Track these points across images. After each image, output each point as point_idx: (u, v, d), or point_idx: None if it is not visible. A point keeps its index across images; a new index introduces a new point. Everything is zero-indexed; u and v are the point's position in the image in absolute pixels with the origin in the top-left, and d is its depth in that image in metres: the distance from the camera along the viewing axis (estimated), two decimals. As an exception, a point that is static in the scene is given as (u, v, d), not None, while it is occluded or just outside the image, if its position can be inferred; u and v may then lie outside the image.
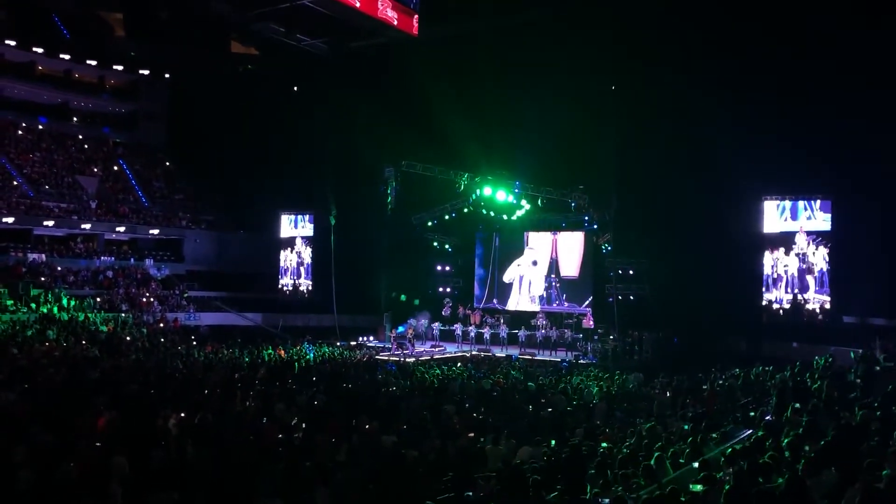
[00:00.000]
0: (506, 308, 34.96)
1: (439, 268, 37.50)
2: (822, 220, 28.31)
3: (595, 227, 31.44)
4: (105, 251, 38.56)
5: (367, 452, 10.63)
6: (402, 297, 35.60)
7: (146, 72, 46.97)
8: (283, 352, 26.91)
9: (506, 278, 35.43)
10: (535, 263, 34.65)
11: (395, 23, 29.19)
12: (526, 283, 34.89)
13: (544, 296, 34.36)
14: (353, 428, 12.17)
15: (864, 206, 26.62)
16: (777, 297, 28.85)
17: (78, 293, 32.98)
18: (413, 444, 11.31)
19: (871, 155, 25.15)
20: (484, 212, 32.93)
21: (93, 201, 39.86)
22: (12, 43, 42.00)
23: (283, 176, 39.62)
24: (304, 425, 12.69)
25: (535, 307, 34.08)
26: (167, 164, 47.09)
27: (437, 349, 31.51)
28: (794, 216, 28.78)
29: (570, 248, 34.00)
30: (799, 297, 28.33)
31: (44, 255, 34.94)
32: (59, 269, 34.78)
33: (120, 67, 46.41)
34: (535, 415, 14.85)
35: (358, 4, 27.52)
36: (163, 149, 47.82)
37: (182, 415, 12.42)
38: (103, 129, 46.47)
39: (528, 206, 31.62)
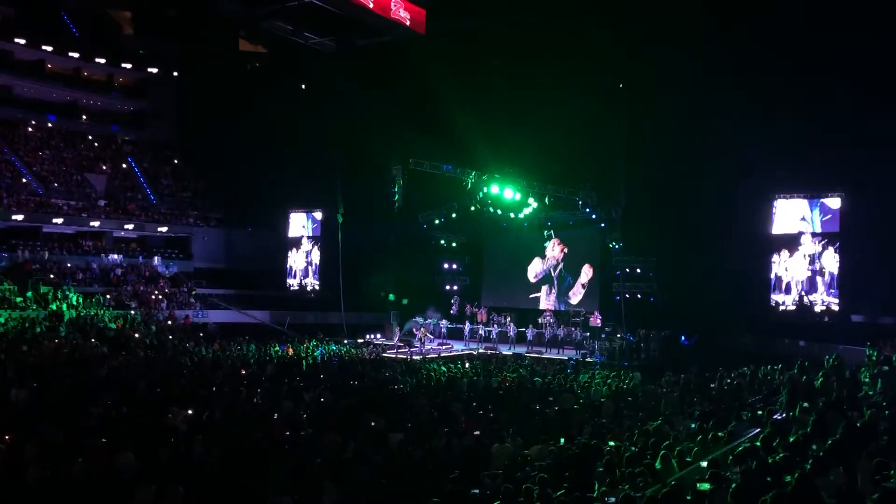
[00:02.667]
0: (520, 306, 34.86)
1: (446, 266, 37.51)
2: (832, 220, 28.16)
3: (603, 225, 31.37)
4: (114, 249, 38.75)
5: (374, 450, 10.66)
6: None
7: (155, 70, 47.09)
8: (290, 349, 26.97)
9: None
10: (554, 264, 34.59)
11: (408, 23, 29.26)
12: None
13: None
14: (360, 425, 12.20)
15: (873, 206, 26.48)
16: (785, 297, 28.74)
17: (87, 290, 33.14)
18: (420, 441, 11.34)
19: (881, 154, 25.01)
20: (491, 210, 32.89)
21: (101, 199, 40.04)
22: (22, 41, 42.16)
23: (291, 174, 39.71)
24: (311, 422, 12.74)
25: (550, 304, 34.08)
26: (175, 161, 47.22)
27: (444, 347, 31.53)
28: (804, 215, 28.63)
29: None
30: (806, 298, 28.22)
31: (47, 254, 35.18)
32: (68, 266, 34.96)
33: (129, 65, 46.54)
34: (542, 413, 14.84)
35: (371, 5, 27.58)
36: (171, 146, 47.94)
37: (190, 412, 12.48)
38: (112, 127, 46.61)
39: (535, 204, 31.56)
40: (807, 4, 26.22)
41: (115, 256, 37.71)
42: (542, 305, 34.59)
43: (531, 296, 35.04)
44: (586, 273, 33.59)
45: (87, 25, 46.23)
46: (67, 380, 16.14)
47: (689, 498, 6.96)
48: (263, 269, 42.23)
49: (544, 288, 34.83)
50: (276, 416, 13.31)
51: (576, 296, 33.86)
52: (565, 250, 34.27)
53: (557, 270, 34.42)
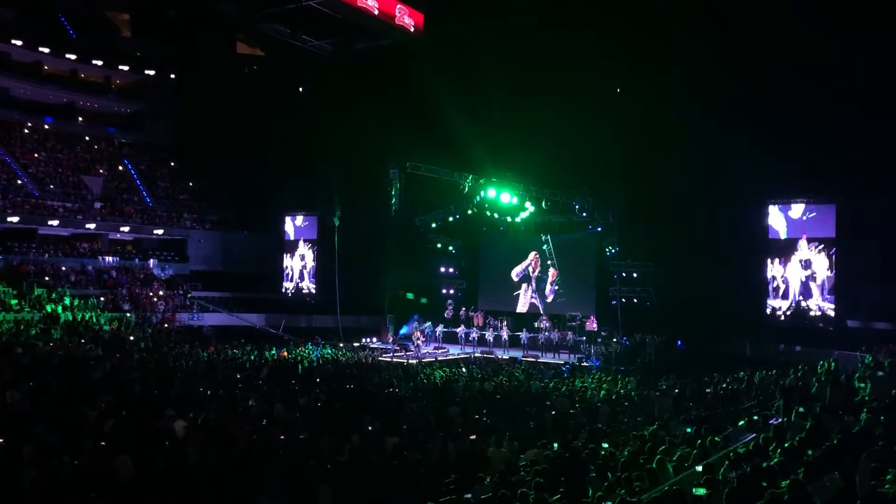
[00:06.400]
0: (515, 310, 35.05)
1: (443, 269, 37.50)
2: (828, 225, 28.18)
3: (599, 229, 31.42)
4: (109, 251, 38.65)
5: (369, 453, 10.64)
6: (410, 296, 35.55)
7: (152, 72, 47.03)
8: (285, 353, 26.92)
9: (514, 275, 35.56)
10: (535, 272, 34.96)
11: (412, 29, 29.45)
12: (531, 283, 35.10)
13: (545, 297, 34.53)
14: (355, 429, 12.18)
15: (869, 211, 26.53)
16: (781, 302, 28.76)
17: (82, 293, 33.05)
18: (415, 445, 11.33)
19: (877, 159, 25.07)
20: (488, 213, 32.90)
21: (97, 201, 39.96)
22: (19, 43, 42.10)
23: (288, 176, 39.69)
24: (306, 426, 12.71)
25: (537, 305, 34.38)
26: (172, 164, 47.17)
27: (440, 351, 31.51)
28: (799, 221, 28.65)
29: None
30: (803, 303, 28.25)
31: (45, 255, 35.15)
32: (63, 268, 34.86)
33: (126, 67, 46.48)
34: (538, 417, 14.84)
35: (376, 12, 27.79)
36: (168, 149, 47.88)
37: (188, 415, 12.44)
38: (109, 129, 46.55)
39: (532, 208, 31.59)
40: (803, 9, 26.30)
41: (111, 259, 37.61)
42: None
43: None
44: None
45: (85, 27, 46.22)
46: (62, 382, 16.08)
47: (684, 502, 6.96)
48: (260, 272, 42.18)
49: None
50: (268, 419, 13.26)
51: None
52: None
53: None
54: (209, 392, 16.04)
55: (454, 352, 31.46)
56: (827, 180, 27.61)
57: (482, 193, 31.35)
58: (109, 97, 47.02)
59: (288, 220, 41.91)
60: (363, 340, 33.31)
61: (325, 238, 38.31)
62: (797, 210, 28.74)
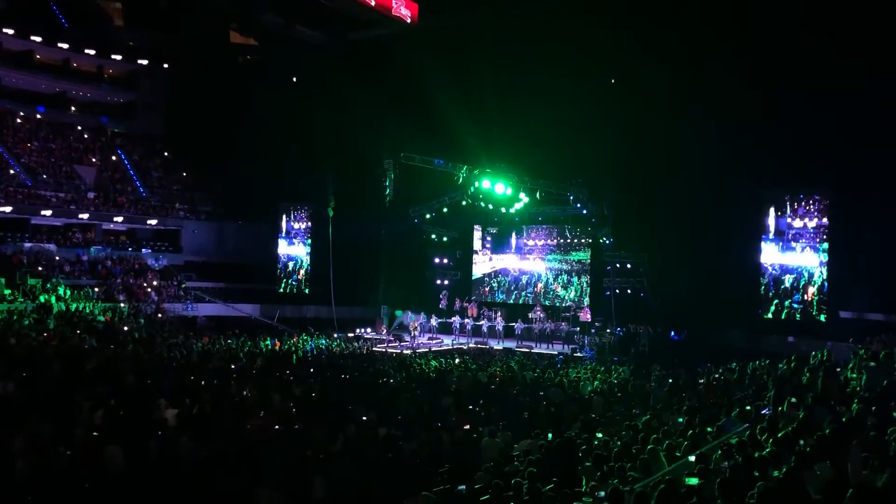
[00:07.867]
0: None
1: (437, 260, 37.49)
2: (821, 216, 28.24)
3: (594, 220, 31.43)
4: (103, 241, 38.53)
5: (363, 443, 10.66)
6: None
7: (145, 61, 46.76)
8: (279, 343, 26.91)
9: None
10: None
11: (408, 20, 29.38)
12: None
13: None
14: (349, 419, 12.20)
15: (862, 202, 26.59)
16: (774, 292, 28.83)
17: (76, 283, 32.94)
18: (409, 435, 11.35)
19: (870, 150, 25.12)
20: (482, 204, 32.87)
21: (91, 191, 39.79)
22: (10, 31, 41.77)
23: (282, 167, 39.55)
24: (300, 416, 12.73)
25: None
26: (165, 154, 46.97)
27: (434, 341, 31.56)
28: (792, 212, 28.68)
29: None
30: (796, 294, 28.32)
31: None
32: (56, 258, 34.74)
33: (119, 57, 46.19)
34: (531, 407, 14.88)
35: (373, 3, 27.73)
36: (161, 139, 47.67)
37: (182, 404, 12.43)
38: (102, 119, 46.29)
39: (526, 199, 31.58)
40: (797, 5, 26.31)
41: (104, 249, 37.50)
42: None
43: None
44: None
45: (77, 16, 45.79)
46: (56, 373, 16.04)
47: (677, 492, 6.98)
48: (254, 263, 42.11)
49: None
50: (263, 410, 13.26)
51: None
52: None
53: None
54: (203, 382, 16.03)
55: (448, 342, 31.52)
56: (821, 172, 27.64)
57: (476, 184, 31.32)
58: (102, 87, 46.74)
59: (282, 210, 41.80)
60: (357, 331, 33.34)
61: (319, 228, 38.24)
62: (791, 202, 28.76)
